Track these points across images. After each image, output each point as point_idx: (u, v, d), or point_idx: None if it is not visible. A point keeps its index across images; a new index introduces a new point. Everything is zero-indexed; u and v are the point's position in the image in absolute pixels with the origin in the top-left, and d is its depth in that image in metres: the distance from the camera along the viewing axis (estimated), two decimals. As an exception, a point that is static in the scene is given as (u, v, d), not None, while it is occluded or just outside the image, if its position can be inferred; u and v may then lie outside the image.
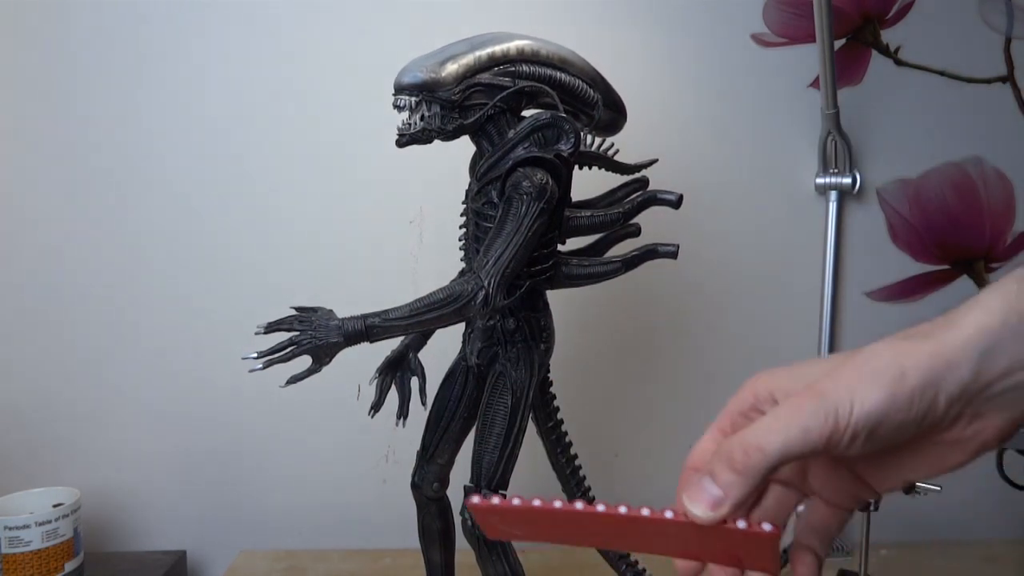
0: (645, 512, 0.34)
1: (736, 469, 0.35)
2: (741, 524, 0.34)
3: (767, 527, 0.35)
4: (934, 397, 0.35)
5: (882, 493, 0.40)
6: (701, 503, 0.35)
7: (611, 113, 0.66)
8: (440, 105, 0.57)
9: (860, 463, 0.39)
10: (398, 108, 0.58)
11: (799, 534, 0.41)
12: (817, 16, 0.83)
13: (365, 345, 0.54)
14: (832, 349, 1.01)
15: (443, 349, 0.71)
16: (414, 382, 0.71)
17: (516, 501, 0.35)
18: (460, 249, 0.66)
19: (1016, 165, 1.00)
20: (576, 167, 0.63)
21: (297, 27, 0.95)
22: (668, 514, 0.35)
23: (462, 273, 0.65)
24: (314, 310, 0.54)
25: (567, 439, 0.70)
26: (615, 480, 1.02)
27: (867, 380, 0.35)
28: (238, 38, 0.95)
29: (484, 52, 0.58)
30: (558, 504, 0.35)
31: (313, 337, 0.52)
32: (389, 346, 0.68)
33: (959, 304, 0.36)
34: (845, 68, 0.98)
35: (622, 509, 0.34)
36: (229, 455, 0.99)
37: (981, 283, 1.02)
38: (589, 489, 0.72)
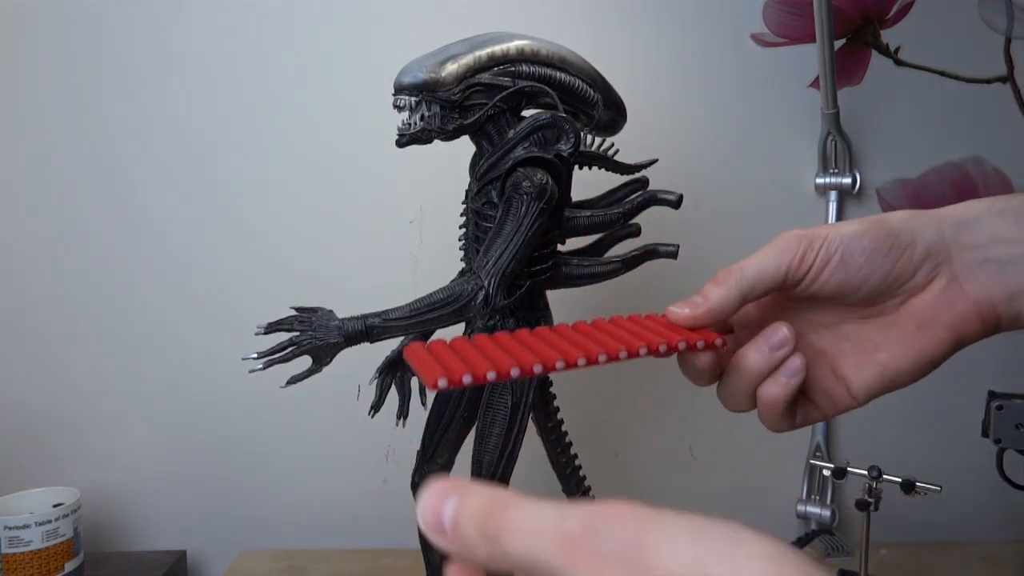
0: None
1: (717, 281, 0.42)
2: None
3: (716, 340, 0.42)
4: (911, 241, 0.39)
5: (858, 396, 0.42)
6: (685, 307, 0.43)
7: (611, 113, 0.66)
8: (440, 105, 0.57)
9: (831, 336, 0.43)
10: (398, 108, 0.59)
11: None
12: (817, 16, 0.83)
13: (365, 345, 0.54)
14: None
15: (443, 349, 0.70)
16: (414, 382, 0.71)
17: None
18: (460, 249, 0.66)
19: (1016, 165, 1.00)
20: (576, 167, 0.63)
21: (297, 27, 0.95)
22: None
23: (462, 273, 0.65)
24: (314, 310, 0.54)
25: (567, 439, 0.70)
26: (615, 480, 1.01)
27: (848, 223, 0.41)
28: (237, 37, 0.95)
29: (484, 52, 0.58)
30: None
31: (313, 337, 0.52)
32: (389, 346, 0.68)
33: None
34: (845, 68, 0.98)
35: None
36: (229, 455, 0.99)
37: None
38: (589, 489, 0.72)
